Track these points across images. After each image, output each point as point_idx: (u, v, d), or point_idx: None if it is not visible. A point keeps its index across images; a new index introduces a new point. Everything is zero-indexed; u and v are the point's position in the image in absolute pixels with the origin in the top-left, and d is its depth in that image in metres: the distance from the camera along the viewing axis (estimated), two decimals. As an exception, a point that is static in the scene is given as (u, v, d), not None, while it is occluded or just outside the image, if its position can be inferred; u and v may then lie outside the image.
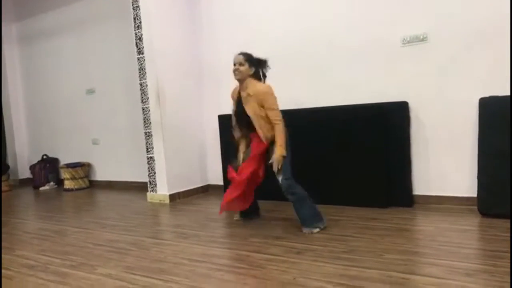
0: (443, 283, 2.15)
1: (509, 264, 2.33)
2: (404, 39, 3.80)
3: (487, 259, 2.49)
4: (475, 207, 3.39)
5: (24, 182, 7.01)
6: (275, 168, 3.17)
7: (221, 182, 4.82)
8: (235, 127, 3.51)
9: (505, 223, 3.06)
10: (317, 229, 3.18)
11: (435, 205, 3.70)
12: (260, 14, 4.58)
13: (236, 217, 3.72)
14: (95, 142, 6.29)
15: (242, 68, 3.26)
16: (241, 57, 3.29)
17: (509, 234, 2.82)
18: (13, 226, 4.08)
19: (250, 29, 4.69)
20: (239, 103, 3.37)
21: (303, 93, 4.33)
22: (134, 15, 4.73)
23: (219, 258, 2.82)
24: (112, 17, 5.79)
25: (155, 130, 4.75)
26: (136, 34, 4.75)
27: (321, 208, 3.44)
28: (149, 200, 4.88)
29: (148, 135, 4.83)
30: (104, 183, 6.23)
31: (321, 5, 4.21)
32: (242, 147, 3.51)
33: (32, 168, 6.64)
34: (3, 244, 3.43)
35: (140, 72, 4.79)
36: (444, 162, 3.71)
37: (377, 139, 3.75)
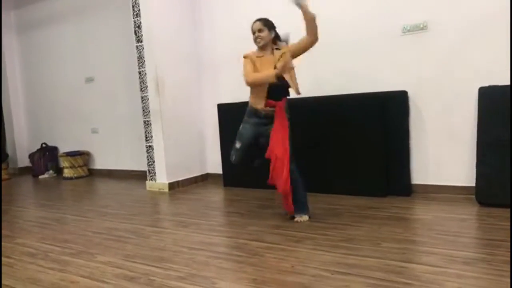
0: (441, 271, 2.17)
1: (506, 252, 2.34)
2: (404, 28, 3.78)
3: (484, 248, 2.51)
4: (473, 196, 3.40)
5: (23, 171, 7.01)
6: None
7: (220, 171, 4.83)
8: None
9: (503, 212, 3.08)
10: (307, 217, 3.18)
11: (433, 194, 3.71)
12: (261, 3, 4.55)
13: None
14: (94, 131, 6.28)
15: (263, 34, 3.24)
16: (259, 23, 3.28)
17: (506, 223, 2.83)
18: (13, 215, 4.09)
19: (250, 18, 4.62)
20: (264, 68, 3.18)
21: (303, 82, 4.29)
22: (132, 3, 4.70)
23: (218, 246, 2.84)
24: (111, 5, 5.74)
25: (154, 118, 4.75)
26: (135, 22, 4.72)
27: (319, 197, 3.47)
28: (148, 188, 4.89)
29: (147, 124, 4.83)
30: (104, 172, 6.23)
31: (321, -7, 4.18)
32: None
33: (32, 156, 6.64)
34: (3, 232, 3.45)
35: (139, 61, 4.77)
36: (443, 151, 3.71)
37: (376, 128, 3.75)
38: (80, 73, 6.26)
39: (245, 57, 3.23)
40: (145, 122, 4.84)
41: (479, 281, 2.05)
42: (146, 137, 4.85)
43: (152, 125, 4.77)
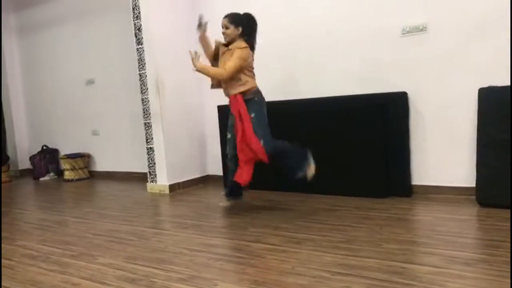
0: (442, 272, 2.17)
1: (507, 253, 2.34)
2: (403, 29, 3.79)
3: (485, 249, 2.51)
4: (474, 197, 3.40)
5: (24, 173, 7.02)
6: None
7: (220, 173, 4.83)
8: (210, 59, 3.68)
9: (504, 213, 3.08)
10: (313, 166, 3.36)
11: (434, 195, 3.71)
12: (260, 3, 4.56)
13: (223, 203, 3.80)
14: (95, 133, 6.29)
15: (228, 32, 3.39)
16: (225, 20, 3.42)
17: (506, 224, 2.84)
18: (13, 217, 4.10)
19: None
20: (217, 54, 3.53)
21: (302, 83, 4.32)
22: (133, 5, 4.71)
23: (219, 248, 2.84)
24: (111, 7, 5.75)
25: (154, 120, 4.75)
26: (135, 24, 4.73)
27: (319, 198, 3.47)
28: (149, 190, 4.90)
29: (147, 126, 4.83)
30: (104, 174, 6.24)
31: (320, -5, 4.19)
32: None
33: (32, 158, 6.64)
34: (4, 234, 3.45)
35: (139, 63, 4.78)
36: (443, 152, 3.72)
37: (376, 129, 3.75)
38: (81, 75, 6.27)
39: (244, 48, 3.35)
40: (145, 124, 4.85)
41: (480, 281, 2.05)
42: (147, 139, 4.86)
43: (153, 127, 4.78)
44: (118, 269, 2.53)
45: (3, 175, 6.27)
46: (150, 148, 4.84)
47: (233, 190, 3.68)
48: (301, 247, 2.68)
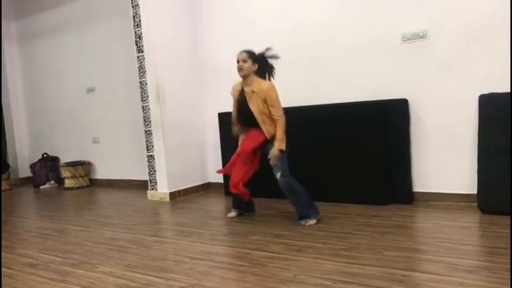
0: (443, 279, 2.16)
1: (509, 260, 2.33)
2: (403, 36, 3.80)
3: (487, 256, 2.50)
4: (475, 204, 3.39)
5: (24, 181, 7.01)
6: (273, 162, 3.27)
7: (221, 180, 4.83)
8: (235, 122, 3.55)
9: (505, 219, 3.07)
10: (314, 221, 3.32)
11: (435, 202, 3.70)
12: (261, 11, 4.57)
13: (231, 214, 3.75)
14: (95, 141, 6.29)
15: (245, 65, 3.32)
16: (245, 54, 3.35)
17: (508, 231, 2.82)
18: (14, 225, 4.09)
19: (250, 27, 4.68)
20: (241, 99, 3.41)
21: (302, 90, 4.33)
22: (133, 13, 4.73)
23: (220, 256, 2.83)
24: (111, 15, 5.78)
25: (155, 128, 4.75)
26: (135, 32, 4.75)
27: (321, 205, 3.46)
28: (149, 198, 4.89)
29: (148, 133, 4.83)
30: (105, 182, 6.23)
31: (321, 2, 4.20)
32: (242, 142, 3.55)
33: (33, 166, 6.64)
34: (4, 242, 3.44)
35: (140, 70, 4.79)
36: (444, 159, 3.71)
37: (377, 136, 3.75)
38: (81, 83, 6.28)
39: (271, 87, 3.32)
40: (146, 132, 4.85)
41: (482, 289, 2.04)
42: (147, 147, 4.86)
43: (153, 135, 4.78)
44: (118, 277, 2.52)
45: (3, 183, 6.27)
46: (151, 155, 4.84)
47: (239, 203, 3.70)
48: (303, 255, 2.67)
